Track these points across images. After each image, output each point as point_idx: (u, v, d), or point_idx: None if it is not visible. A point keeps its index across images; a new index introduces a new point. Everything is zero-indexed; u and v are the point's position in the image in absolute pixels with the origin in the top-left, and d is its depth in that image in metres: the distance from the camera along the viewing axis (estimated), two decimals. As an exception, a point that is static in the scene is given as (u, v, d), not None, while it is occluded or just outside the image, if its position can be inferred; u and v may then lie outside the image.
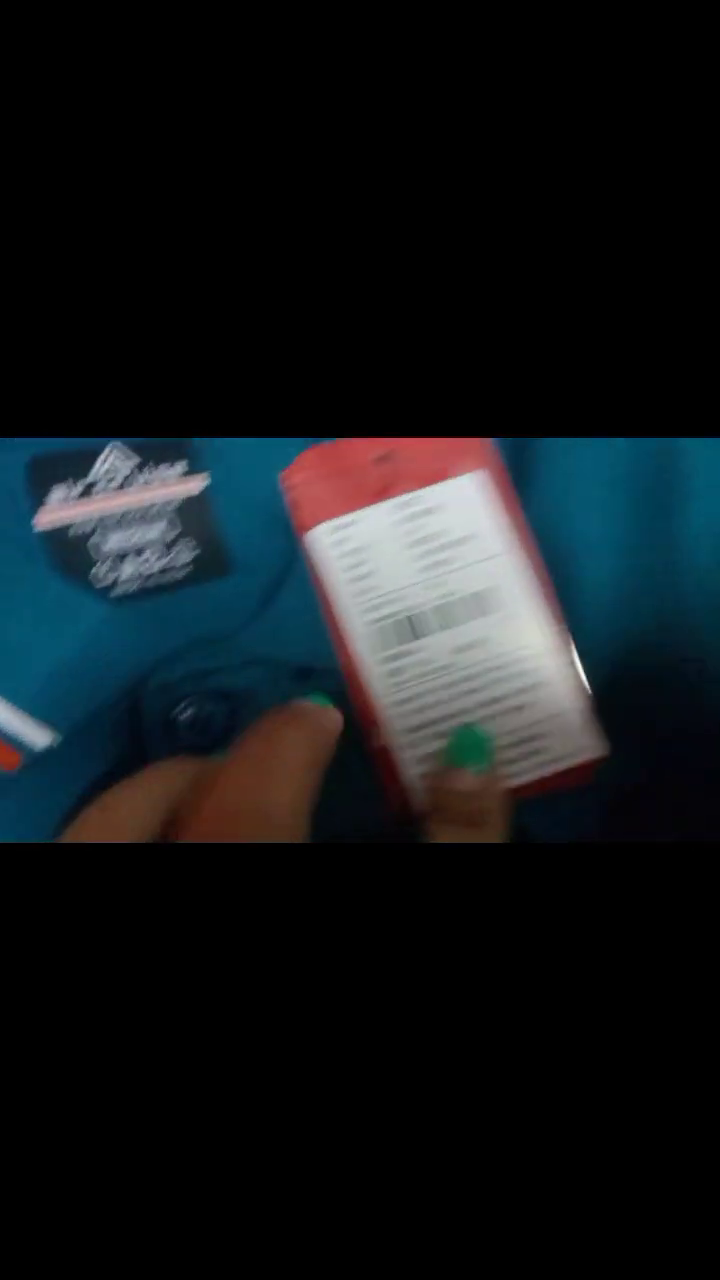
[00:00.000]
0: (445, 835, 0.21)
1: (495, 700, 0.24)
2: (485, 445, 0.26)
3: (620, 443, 0.24)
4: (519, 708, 0.24)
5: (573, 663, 0.25)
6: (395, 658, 0.24)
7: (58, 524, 0.24)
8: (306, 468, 0.25)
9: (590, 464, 0.25)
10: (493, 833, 0.21)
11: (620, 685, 0.25)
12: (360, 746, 0.24)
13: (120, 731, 0.23)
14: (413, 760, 0.24)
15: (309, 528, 0.25)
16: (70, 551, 0.24)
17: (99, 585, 0.24)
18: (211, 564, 0.24)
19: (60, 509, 0.24)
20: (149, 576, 0.24)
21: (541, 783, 0.24)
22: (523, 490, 0.26)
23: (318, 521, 0.25)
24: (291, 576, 0.25)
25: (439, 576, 0.25)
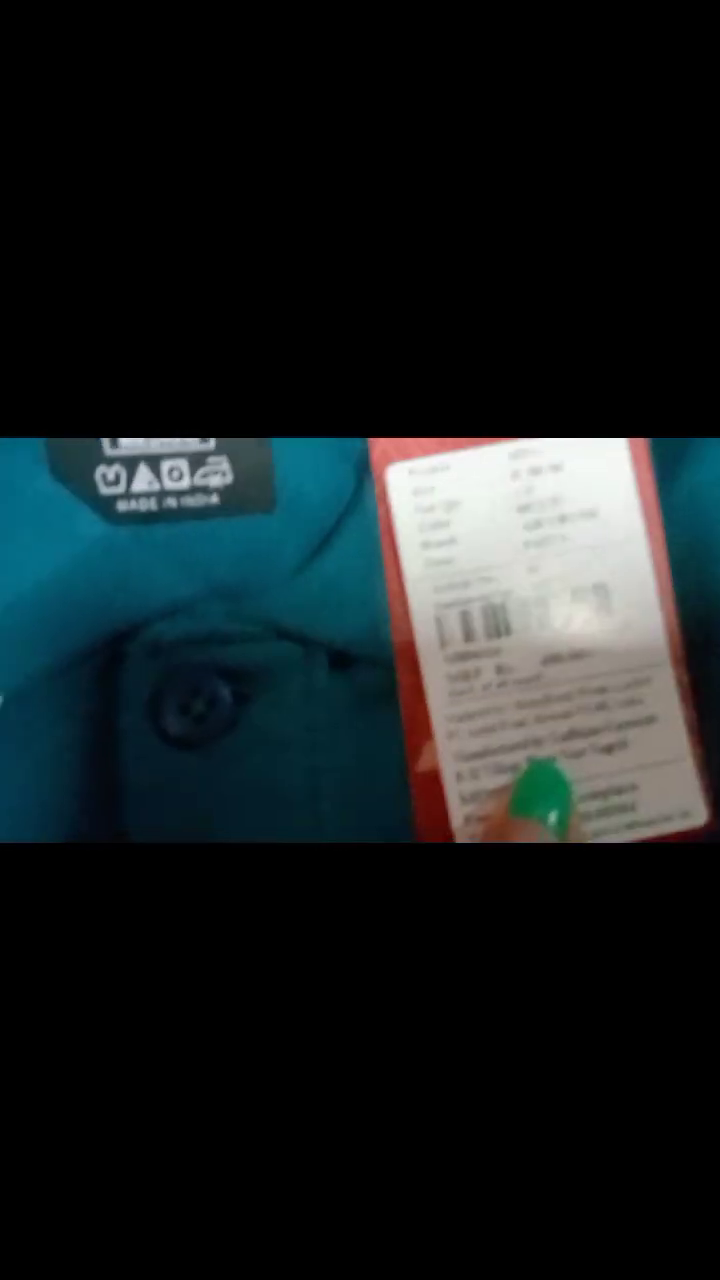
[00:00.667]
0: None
1: (583, 733, 0.19)
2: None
3: None
4: (610, 748, 0.19)
5: (690, 699, 0.19)
6: (468, 656, 0.19)
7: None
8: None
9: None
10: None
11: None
12: (400, 767, 0.18)
13: (87, 695, 0.17)
14: (467, 795, 0.18)
15: (385, 465, 0.19)
16: (73, 442, 0.18)
17: (101, 494, 0.18)
18: (252, 494, 0.18)
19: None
20: (169, 495, 0.19)
21: (621, 848, 0.19)
22: (667, 470, 0.19)
23: (399, 458, 0.19)
24: (350, 527, 0.19)
25: (546, 557, 0.19)
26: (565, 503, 0.19)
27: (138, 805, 0.16)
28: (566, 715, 0.19)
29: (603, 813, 0.19)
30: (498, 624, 0.19)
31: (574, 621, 0.19)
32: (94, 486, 0.18)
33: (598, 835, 0.19)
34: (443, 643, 0.19)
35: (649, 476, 0.19)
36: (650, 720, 0.19)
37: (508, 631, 0.19)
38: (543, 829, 0.16)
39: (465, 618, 0.19)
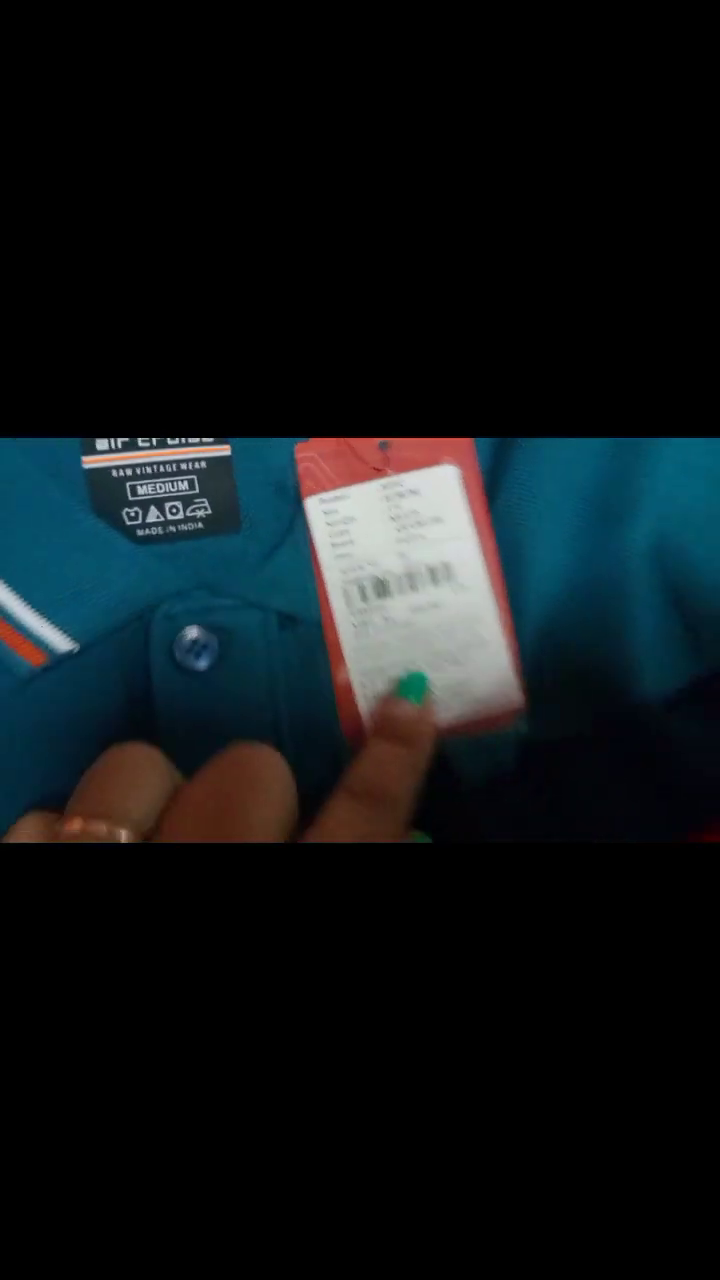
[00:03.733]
0: (382, 749, 0.27)
1: (440, 653, 0.30)
2: (468, 444, 0.31)
3: (586, 446, 0.29)
4: (458, 661, 0.30)
5: (509, 631, 0.30)
6: (365, 612, 0.30)
7: (102, 465, 0.29)
8: (318, 445, 0.30)
9: (549, 468, 0.30)
10: (421, 752, 0.27)
11: (548, 657, 0.31)
12: (327, 683, 0.30)
13: (130, 649, 0.28)
14: (369, 695, 0.30)
15: (307, 497, 0.30)
16: (108, 493, 0.29)
17: (128, 525, 0.29)
18: (225, 520, 0.29)
19: (106, 455, 0.29)
20: (171, 524, 0.30)
21: (467, 723, 0.30)
22: (492, 487, 0.31)
23: (317, 492, 0.30)
24: (291, 537, 0.30)
25: (409, 548, 0.30)
26: (420, 514, 0.31)
27: (167, 708, 0.27)
28: (429, 643, 0.30)
29: (455, 698, 0.30)
30: (383, 590, 0.30)
31: (430, 587, 0.30)
32: (123, 520, 0.29)
33: (450, 712, 0.30)
34: (349, 605, 0.30)
35: (479, 493, 0.31)
36: (483, 644, 0.30)
37: (388, 594, 0.30)
38: (411, 704, 0.28)
39: (361, 588, 0.30)
